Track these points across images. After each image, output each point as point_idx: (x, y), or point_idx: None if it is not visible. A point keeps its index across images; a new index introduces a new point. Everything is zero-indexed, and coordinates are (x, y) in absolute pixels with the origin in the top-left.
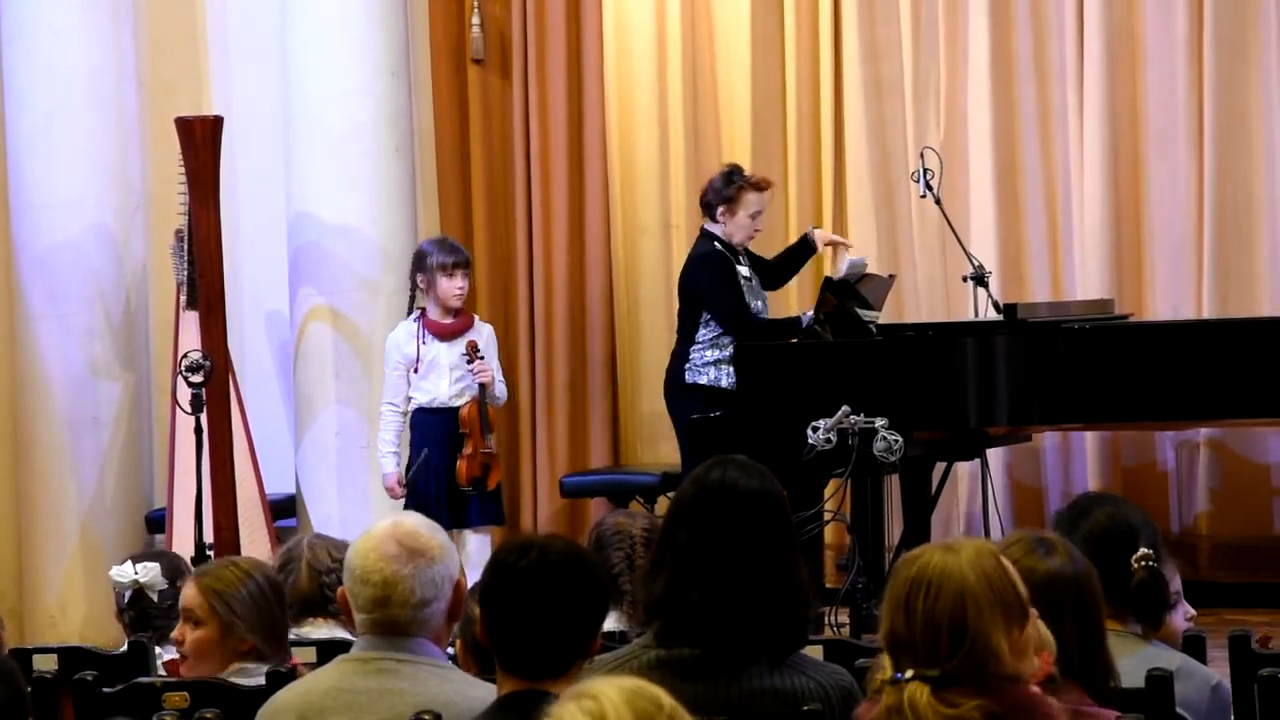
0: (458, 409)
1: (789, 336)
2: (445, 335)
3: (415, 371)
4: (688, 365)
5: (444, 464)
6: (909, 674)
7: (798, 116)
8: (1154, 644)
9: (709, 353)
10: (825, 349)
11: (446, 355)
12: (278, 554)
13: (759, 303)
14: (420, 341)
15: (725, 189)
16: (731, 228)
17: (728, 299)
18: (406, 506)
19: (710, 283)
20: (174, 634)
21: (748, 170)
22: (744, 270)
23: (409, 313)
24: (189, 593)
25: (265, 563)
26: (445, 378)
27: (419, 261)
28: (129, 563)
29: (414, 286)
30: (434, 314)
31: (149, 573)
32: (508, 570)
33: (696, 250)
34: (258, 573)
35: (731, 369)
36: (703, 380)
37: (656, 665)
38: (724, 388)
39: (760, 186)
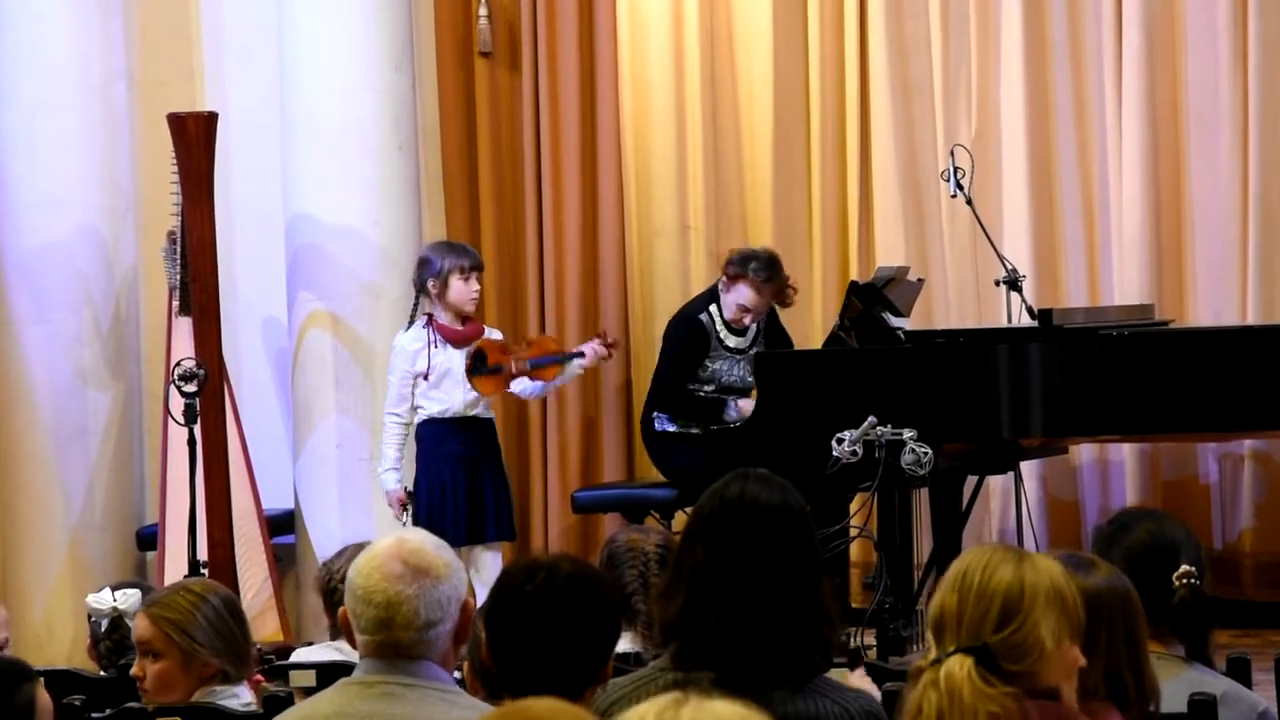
0: (473, 418)
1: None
2: (458, 342)
3: (426, 379)
4: (655, 414)
5: (459, 478)
6: (951, 649)
7: (822, 112)
8: (1197, 667)
9: None
10: (851, 356)
11: (460, 363)
12: (323, 567)
13: (735, 374)
14: (431, 348)
15: (729, 267)
16: (725, 301)
17: (668, 365)
18: (417, 522)
19: (668, 342)
20: (133, 670)
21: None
22: (731, 341)
23: (410, 322)
24: (142, 625)
25: (217, 584)
26: (460, 386)
27: (426, 266)
28: (107, 590)
29: (418, 294)
30: (445, 319)
31: (128, 599)
32: (514, 594)
33: (687, 306)
34: (212, 595)
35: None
36: (671, 429)
37: (673, 688)
38: (694, 433)
39: (759, 289)
